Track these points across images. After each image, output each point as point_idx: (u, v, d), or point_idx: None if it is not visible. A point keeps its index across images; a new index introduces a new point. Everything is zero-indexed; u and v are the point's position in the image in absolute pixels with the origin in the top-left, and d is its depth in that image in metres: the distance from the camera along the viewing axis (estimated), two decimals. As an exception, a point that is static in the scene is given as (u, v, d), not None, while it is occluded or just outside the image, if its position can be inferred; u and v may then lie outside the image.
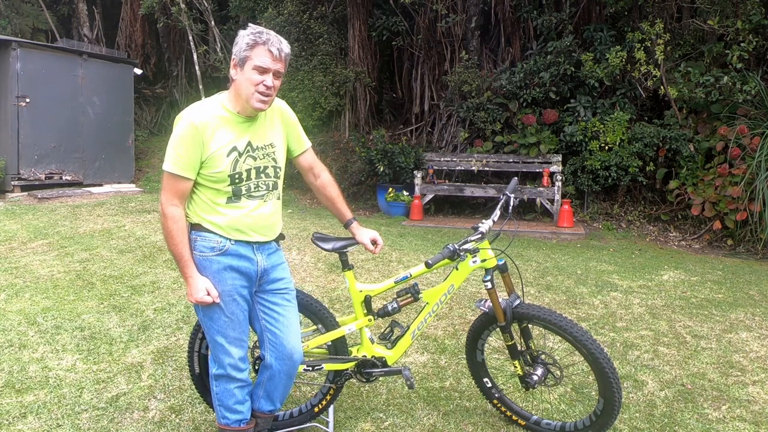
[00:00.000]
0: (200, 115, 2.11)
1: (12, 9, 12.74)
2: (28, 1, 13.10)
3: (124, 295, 4.46)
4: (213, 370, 2.32)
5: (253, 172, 2.20)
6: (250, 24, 2.19)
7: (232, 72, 2.14)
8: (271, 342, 2.34)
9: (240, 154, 2.16)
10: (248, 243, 2.23)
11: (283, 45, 2.12)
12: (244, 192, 2.19)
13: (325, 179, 2.55)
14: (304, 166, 2.51)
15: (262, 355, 2.38)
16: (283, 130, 2.35)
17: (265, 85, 2.09)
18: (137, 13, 12.74)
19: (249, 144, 2.18)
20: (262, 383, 2.41)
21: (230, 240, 2.19)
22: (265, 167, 2.23)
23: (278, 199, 2.34)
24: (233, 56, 2.13)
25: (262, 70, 2.08)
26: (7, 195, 8.84)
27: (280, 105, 2.35)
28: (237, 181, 2.16)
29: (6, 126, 8.90)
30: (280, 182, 2.33)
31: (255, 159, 2.20)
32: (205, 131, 2.09)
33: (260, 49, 2.07)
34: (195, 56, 11.31)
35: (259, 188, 2.22)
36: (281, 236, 2.39)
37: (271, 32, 2.12)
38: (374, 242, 2.57)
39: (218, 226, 2.18)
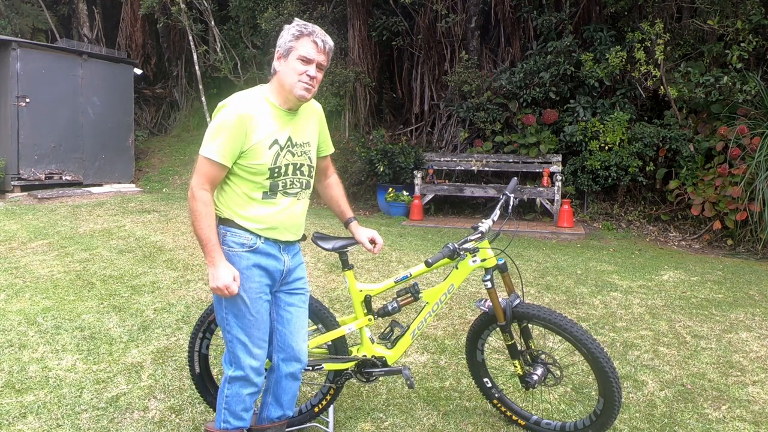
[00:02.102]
0: (245, 105, 2.10)
1: (12, 9, 12.74)
2: (28, 1, 13.10)
3: (124, 295, 4.46)
4: (229, 371, 2.25)
5: (290, 168, 2.20)
6: (296, 19, 2.24)
7: (276, 64, 2.16)
8: (278, 342, 2.34)
9: (281, 148, 2.16)
10: (276, 242, 2.23)
11: (327, 39, 2.16)
12: (280, 188, 2.19)
13: (332, 179, 2.61)
14: (321, 168, 2.54)
15: (268, 355, 2.36)
16: (318, 132, 2.38)
17: (308, 75, 2.11)
18: (137, 13, 12.74)
19: (289, 139, 2.19)
20: (269, 389, 2.41)
21: (261, 238, 2.19)
22: (302, 164, 2.25)
23: (308, 198, 2.35)
24: (278, 48, 2.16)
25: (307, 61, 2.11)
26: (7, 195, 8.84)
27: (317, 107, 2.39)
28: (276, 175, 2.16)
29: (6, 126, 8.90)
30: (312, 182, 2.35)
31: (293, 155, 2.21)
32: (249, 121, 2.08)
33: (305, 40, 2.11)
34: (195, 56, 11.31)
35: (294, 185, 2.23)
36: (303, 237, 2.40)
37: (316, 26, 2.16)
38: (373, 241, 2.58)
39: (252, 220, 2.16)
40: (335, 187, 2.60)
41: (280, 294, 2.34)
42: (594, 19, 9.13)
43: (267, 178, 2.15)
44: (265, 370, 2.60)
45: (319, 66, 2.15)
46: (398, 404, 2.97)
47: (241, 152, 2.10)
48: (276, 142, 2.15)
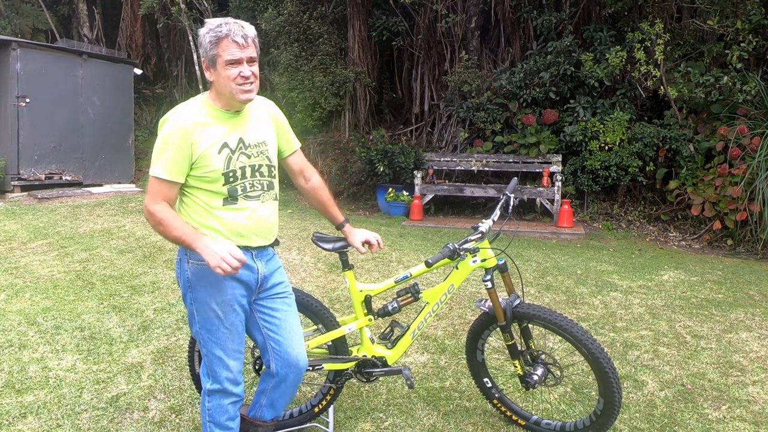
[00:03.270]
0: (187, 116, 2.04)
1: (12, 9, 12.74)
2: (28, 1, 13.11)
3: (124, 295, 4.46)
4: (207, 385, 2.22)
5: (248, 171, 2.13)
6: (206, 20, 2.10)
7: (207, 75, 2.07)
8: (274, 350, 2.28)
9: (232, 151, 2.09)
10: (248, 249, 2.16)
11: (246, 29, 2.03)
12: (240, 192, 2.12)
13: (315, 182, 2.50)
14: (294, 169, 2.45)
15: (266, 363, 2.33)
16: (274, 129, 2.30)
17: (242, 76, 2.01)
18: (137, 13, 12.74)
19: (241, 141, 2.12)
20: (265, 392, 2.36)
21: None
22: (260, 165, 2.17)
23: (275, 200, 2.27)
24: (202, 58, 2.06)
25: (235, 63, 2.01)
26: (7, 195, 8.84)
27: (268, 104, 2.31)
28: (231, 180, 2.09)
29: (6, 126, 8.90)
30: (276, 182, 2.26)
31: (249, 157, 2.13)
32: (193, 131, 2.01)
33: (225, 43, 1.99)
34: (195, 56, 11.31)
35: (255, 188, 2.16)
36: (276, 241, 2.33)
37: (229, 20, 2.04)
38: (368, 243, 2.56)
39: (218, 231, 2.09)
40: (320, 191, 2.49)
41: (261, 302, 2.28)
42: (594, 19, 9.13)
43: (223, 184, 2.07)
44: (256, 368, 2.58)
45: (250, 60, 2.04)
46: (398, 404, 2.97)
47: (191, 164, 2.03)
48: (226, 145, 2.07)
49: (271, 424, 2.45)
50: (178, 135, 2.00)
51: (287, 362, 2.29)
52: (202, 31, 2.05)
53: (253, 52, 2.05)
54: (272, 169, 2.23)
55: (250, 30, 2.06)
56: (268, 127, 2.26)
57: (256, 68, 2.07)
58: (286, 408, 2.47)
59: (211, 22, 2.04)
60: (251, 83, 2.05)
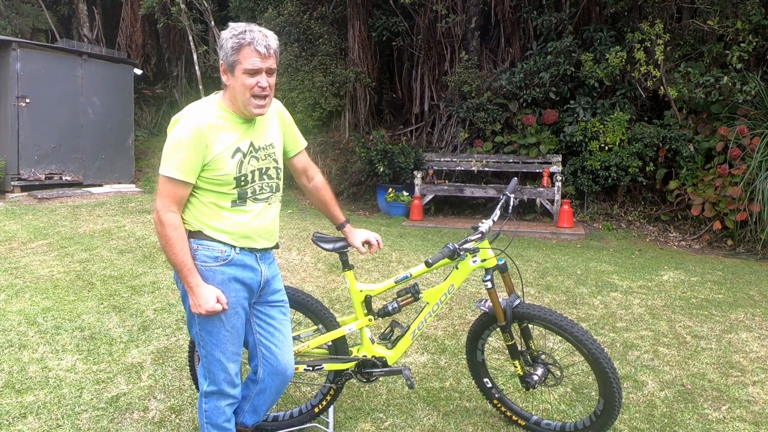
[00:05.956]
0: (203, 117, 2.02)
1: (12, 9, 12.75)
2: (28, 1, 13.11)
3: (124, 295, 4.46)
4: (204, 386, 2.22)
5: (257, 174, 2.13)
6: (230, 24, 2.07)
7: (224, 78, 2.05)
8: (265, 357, 2.29)
9: (244, 155, 2.09)
10: (252, 252, 2.16)
11: (269, 40, 2.01)
12: (249, 195, 2.12)
13: (318, 182, 2.51)
14: (298, 168, 2.46)
15: (253, 368, 2.33)
16: (281, 130, 2.30)
17: (260, 87, 2.01)
18: (137, 13, 12.76)
19: (251, 145, 2.12)
20: (249, 397, 2.36)
21: (235, 248, 2.12)
22: (268, 168, 2.18)
23: (279, 201, 2.29)
24: (221, 61, 2.04)
25: (254, 72, 2.00)
26: (7, 195, 8.84)
27: (276, 104, 2.30)
28: (243, 183, 2.09)
29: (6, 126, 8.90)
30: (282, 184, 2.28)
31: (258, 160, 2.14)
32: (209, 133, 2.00)
33: (247, 51, 1.97)
34: (195, 56, 11.32)
35: (264, 190, 2.16)
36: (276, 245, 2.33)
37: (254, 27, 2.01)
38: (368, 243, 2.57)
39: (224, 232, 2.09)
40: (323, 191, 2.51)
41: (260, 307, 2.28)
42: (594, 20, 9.13)
43: (234, 188, 2.07)
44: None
45: (269, 71, 2.02)
46: (398, 404, 2.97)
47: (203, 165, 2.01)
48: (238, 149, 2.07)
49: (251, 429, 2.44)
50: (192, 135, 1.98)
51: (276, 370, 2.29)
52: (224, 34, 2.02)
53: (273, 63, 2.03)
54: (279, 171, 2.24)
55: (273, 41, 2.03)
56: (276, 129, 2.26)
57: (273, 80, 2.07)
58: (267, 412, 2.47)
59: (235, 27, 2.02)
60: (266, 96, 2.05)
